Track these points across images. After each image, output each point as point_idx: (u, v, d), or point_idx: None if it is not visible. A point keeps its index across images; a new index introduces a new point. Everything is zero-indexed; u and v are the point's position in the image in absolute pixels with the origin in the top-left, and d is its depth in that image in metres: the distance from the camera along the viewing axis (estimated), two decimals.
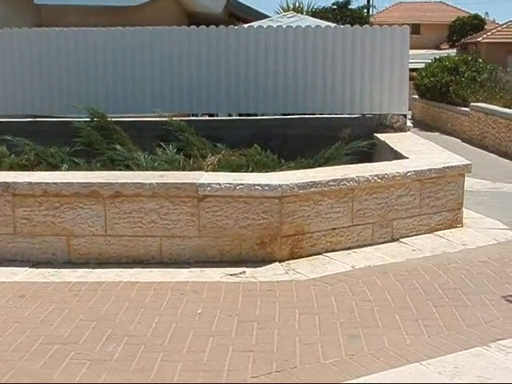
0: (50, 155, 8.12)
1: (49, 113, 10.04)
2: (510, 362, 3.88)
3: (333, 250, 5.98)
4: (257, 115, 10.61)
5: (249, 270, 5.55)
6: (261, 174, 6.08)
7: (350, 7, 32.55)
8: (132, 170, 7.38)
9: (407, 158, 7.07)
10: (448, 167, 6.65)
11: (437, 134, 22.23)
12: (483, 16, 50.76)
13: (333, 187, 5.86)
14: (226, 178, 5.88)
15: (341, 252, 6.00)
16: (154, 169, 7.33)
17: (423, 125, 25.36)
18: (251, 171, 7.34)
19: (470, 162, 6.93)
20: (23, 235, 5.84)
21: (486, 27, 45.25)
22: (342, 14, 30.43)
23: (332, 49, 9.69)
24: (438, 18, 53.23)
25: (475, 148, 18.65)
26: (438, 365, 3.86)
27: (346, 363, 3.91)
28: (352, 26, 10.25)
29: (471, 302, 4.84)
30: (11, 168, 7.56)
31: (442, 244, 6.33)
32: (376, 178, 6.08)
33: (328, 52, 9.68)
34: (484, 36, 37.54)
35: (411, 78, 29.59)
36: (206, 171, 6.85)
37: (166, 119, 8.96)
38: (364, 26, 10.02)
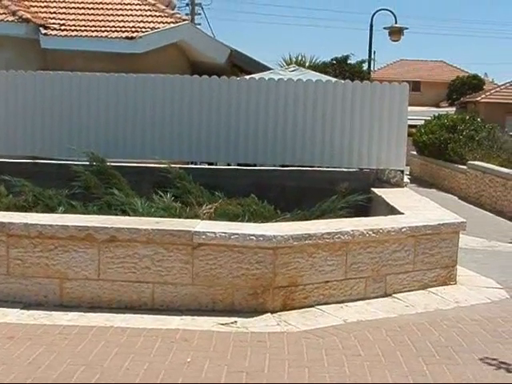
0: (47, 197, 8.15)
1: (49, 154, 10.12)
2: None
3: (325, 303, 5.97)
4: (256, 166, 10.69)
5: (240, 320, 5.52)
6: (256, 224, 6.10)
7: (348, 62, 32.93)
8: (128, 215, 7.40)
9: (403, 213, 7.11)
10: (443, 224, 6.68)
11: (434, 190, 22.33)
12: (482, 76, 51.50)
13: (327, 240, 5.88)
14: (222, 227, 5.90)
15: (333, 305, 5.98)
16: (151, 215, 7.36)
17: (421, 181, 25.47)
18: (247, 221, 7.36)
19: (464, 220, 6.96)
20: (16, 276, 5.82)
21: (484, 87, 45.86)
22: (340, 69, 30.79)
23: (332, 103, 9.82)
24: (438, 76, 53.94)
25: (472, 206, 18.72)
26: None
27: None
28: (351, 80, 10.41)
29: (462, 361, 4.82)
30: (8, 208, 7.58)
31: (435, 301, 6.33)
32: (371, 233, 6.10)
33: (328, 106, 9.81)
34: (483, 96, 38.02)
35: (410, 135, 29.92)
36: (202, 219, 6.87)
37: (164, 166, 9.03)
38: (364, 82, 10.19)
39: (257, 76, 11.51)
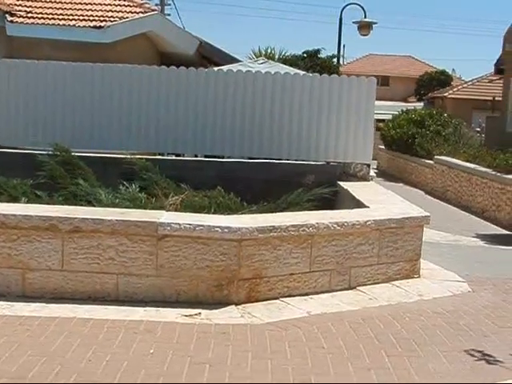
0: (11, 187, 8.06)
1: (14, 144, 10.00)
2: None
3: (290, 296, 5.98)
4: (223, 158, 10.68)
5: (204, 312, 5.52)
6: (221, 216, 6.10)
7: (319, 56, 33.01)
8: (93, 205, 7.35)
9: (368, 207, 7.15)
10: (407, 218, 6.73)
11: (401, 184, 22.49)
12: (450, 72, 51.95)
13: (292, 232, 5.89)
14: (187, 218, 5.88)
15: (298, 297, 6.00)
16: (116, 206, 7.31)
17: (388, 175, 25.65)
18: (214, 213, 7.36)
19: (428, 214, 7.02)
20: None
21: (452, 83, 46.28)
22: (312, 63, 30.85)
23: (300, 96, 9.84)
24: (406, 71, 54.29)
25: (437, 200, 18.91)
26: None
27: None
28: (321, 74, 10.44)
29: (423, 353, 4.87)
30: None
31: (399, 294, 6.38)
32: (336, 226, 6.13)
33: (296, 98, 9.82)
34: (450, 91, 38.36)
35: (378, 129, 30.14)
36: (168, 211, 6.84)
37: (131, 157, 8.98)
38: (332, 75, 10.21)
39: (225, 68, 11.49)
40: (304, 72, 12.11)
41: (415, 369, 4.55)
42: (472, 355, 4.86)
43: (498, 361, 4.78)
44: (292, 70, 12.49)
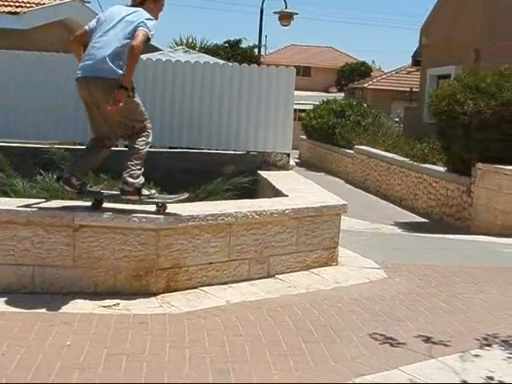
0: None
1: None
2: None
3: (209, 285, 6.00)
4: None
5: (123, 303, 5.47)
6: (140, 206, 6.04)
7: (241, 46, 33.07)
8: (9, 196, 7.19)
9: (287, 195, 7.22)
10: (325, 206, 6.82)
11: (322, 174, 22.80)
12: (370, 63, 52.86)
13: (211, 222, 5.90)
14: (104, 208, 5.81)
15: (217, 286, 6.02)
16: (32, 196, 7.16)
17: (310, 164, 25.96)
18: None
19: (346, 202, 7.13)
20: None
21: (372, 74, 47.09)
22: (233, 52, 30.89)
23: (220, 85, 9.84)
24: (327, 62, 54.94)
25: (358, 189, 19.26)
26: None
27: None
28: (241, 64, 10.45)
29: (340, 339, 4.96)
30: None
31: (317, 281, 6.47)
32: (254, 214, 6.17)
33: (216, 88, 9.82)
34: (370, 82, 39.03)
35: (300, 119, 30.35)
36: (85, 201, 6.74)
37: (49, 147, 8.81)
38: (252, 65, 10.22)
39: (144, 57, 11.36)
40: (224, 62, 12.10)
41: (331, 354, 4.64)
42: (386, 339, 4.99)
43: (409, 344, 4.91)
44: (212, 60, 12.47)
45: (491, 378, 4.33)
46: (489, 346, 4.97)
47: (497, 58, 16.57)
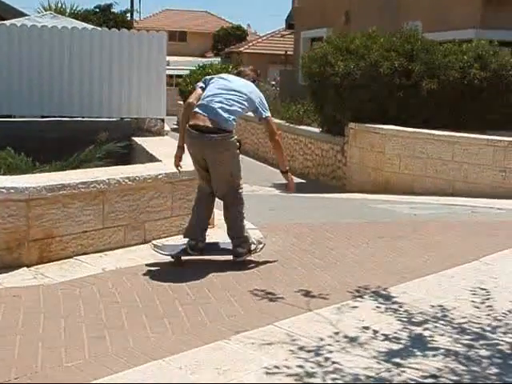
0: None
1: None
2: (248, 353, 4.07)
3: (84, 253, 5.93)
4: (14, 117, 10.25)
5: None
6: (6, 176, 5.87)
7: (113, 11, 32.37)
8: None
9: (160, 161, 7.18)
10: None
11: None
12: (246, 27, 52.97)
13: (83, 190, 5.80)
14: None
15: (93, 255, 5.96)
16: None
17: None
18: (3, 175, 7.06)
19: None
20: None
21: (248, 38, 47.24)
22: (105, 18, 30.18)
23: (90, 52, 9.64)
24: (203, 27, 54.63)
25: None
26: (180, 360, 3.96)
27: (88, 365, 3.88)
28: (112, 29, 10.25)
29: (216, 299, 5.02)
30: None
31: None
32: (127, 181, 6.11)
33: (85, 54, 9.61)
34: (246, 46, 39.19)
35: (177, 85, 30.03)
36: None
37: None
38: (121, 30, 10.06)
39: (8, 22, 10.95)
40: (93, 27, 11.82)
41: (207, 314, 4.69)
42: (262, 297, 5.09)
43: (287, 299, 5.04)
44: (81, 25, 12.13)
45: (363, 328, 4.50)
46: (361, 297, 5.17)
47: (366, 20, 16.99)
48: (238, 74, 6.15)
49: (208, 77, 6.13)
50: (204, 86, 5.95)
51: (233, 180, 5.83)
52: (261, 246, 6.10)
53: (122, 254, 6.07)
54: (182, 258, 5.90)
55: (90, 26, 11.42)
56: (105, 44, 9.61)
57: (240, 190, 5.91)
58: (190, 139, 5.79)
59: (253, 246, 6.00)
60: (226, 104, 5.68)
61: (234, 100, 5.73)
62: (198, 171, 5.97)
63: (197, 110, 5.71)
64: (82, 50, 9.56)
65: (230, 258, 5.91)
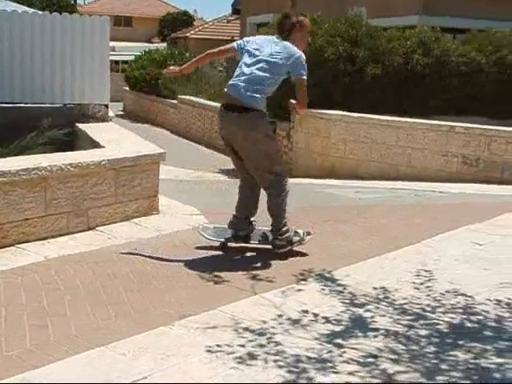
0: None
1: None
2: (192, 338, 4.08)
3: (26, 241, 5.84)
4: None
5: None
6: None
7: None
8: None
9: (104, 147, 7.11)
10: (141, 156, 6.79)
11: (147, 125, 22.66)
12: (192, 13, 52.68)
13: (24, 177, 5.71)
14: None
15: (35, 243, 5.88)
16: None
17: (134, 116, 25.65)
18: None
19: (163, 151, 7.12)
20: None
21: (194, 23, 47.01)
22: (48, 2, 29.64)
23: (31, 36, 9.47)
24: (149, 11, 54.12)
25: (182, 139, 19.34)
26: (123, 347, 3.94)
27: (30, 353, 3.84)
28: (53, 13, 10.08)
29: (161, 286, 5.01)
30: None
31: (138, 231, 6.46)
32: (70, 167, 6.03)
33: (26, 39, 9.44)
34: (192, 32, 39.02)
35: (123, 70, 29.72)
36: None
37: None
38: (63, 14, 9.90)
39: None
40: (34, 10, 11.61)
41: (151, 301, 4.67)
42: (208, 280, 5.11)
43: (234, 282, 5.07)
44: (21, 8, 11.90)
45: (306, 310, 4.55)
46: (305, 280, 5.21)
47: (312, 6, 17.03)
48: (281, 33, 5.78)
49: (242, 42, 5.84)
50: (236, 48, 5.83)
51: (266, 165, 5.61)
52: (308, 237, 5.99)
53: (65, 242, 6.00)
54: (228, 244, 5.93)
55: (30, 10, 11.23)
56: (46, 28, 9.44)
57: (278, 177, 5.68)
58: (219, 118, 5.78)
59: (295, 238, 5.88)
60: (254, 81, 5.51)
61: (262, 75, 5.54)
62: (231, 158, 5.93)
63: (226, 89, 5.66)
64: (22, 34, 9.38)
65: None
